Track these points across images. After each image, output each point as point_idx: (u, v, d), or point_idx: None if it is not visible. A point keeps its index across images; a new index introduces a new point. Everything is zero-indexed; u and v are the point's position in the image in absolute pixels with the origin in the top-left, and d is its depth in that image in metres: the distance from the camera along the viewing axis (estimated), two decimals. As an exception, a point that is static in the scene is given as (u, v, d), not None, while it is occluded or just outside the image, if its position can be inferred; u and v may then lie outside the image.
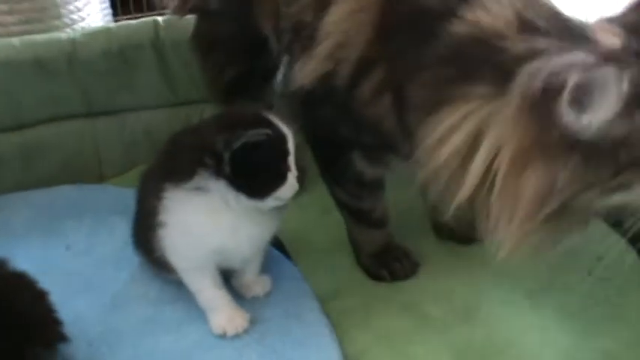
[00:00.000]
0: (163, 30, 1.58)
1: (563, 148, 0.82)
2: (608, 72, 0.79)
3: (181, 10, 1.42)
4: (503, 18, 0.91)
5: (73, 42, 1.55)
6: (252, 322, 1.13)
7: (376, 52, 1.02)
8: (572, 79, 0.78)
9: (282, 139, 1.04)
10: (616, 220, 1.06)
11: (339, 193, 1.24)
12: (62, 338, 1.05)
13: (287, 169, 1.04)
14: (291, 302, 1.19)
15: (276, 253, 1.29)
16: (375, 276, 1.27)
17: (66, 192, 1.56)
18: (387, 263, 1.27)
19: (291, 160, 1.05)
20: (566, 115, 0.80)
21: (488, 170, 0.87)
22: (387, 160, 1.14)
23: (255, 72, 1.33)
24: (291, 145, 1.05)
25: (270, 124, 1.03)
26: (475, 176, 0.89)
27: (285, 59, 1.20)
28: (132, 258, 1.28)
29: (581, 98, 0.79)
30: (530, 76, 0.81)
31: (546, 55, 0.83)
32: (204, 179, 1.03)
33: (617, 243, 1.26)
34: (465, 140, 0.89)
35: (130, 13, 2.67)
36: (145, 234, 1.15)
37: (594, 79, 0.78)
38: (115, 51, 1.57)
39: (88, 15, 1.86)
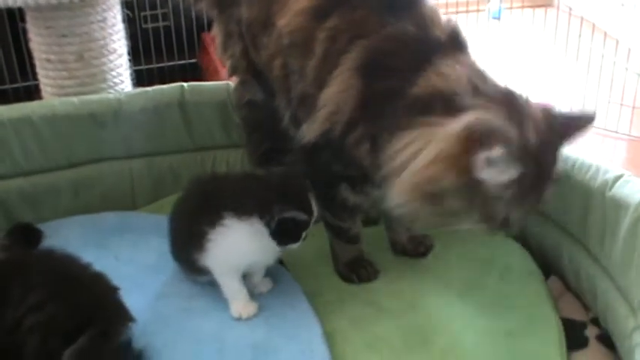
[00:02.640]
0: (188, 93, 1.94)
1: (469, 175, 1.24)
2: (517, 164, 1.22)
3: (239, 102, 1.81)
4: (457, 81, 1.33)
5: (119, 101, 1.90)
6: (260, 309, 1.51)
7: (358, 116, 1.43)
8: (492, 149, 1.20)
9: (309, 218, 1.46)
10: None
11: (327, 215, 1.61)
12: (131, 319, 1.42)
13: (302, 236, 1.47)
14: (286, 296, 1.56)
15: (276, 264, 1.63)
16: (346, 279, 1.63)
17: (108, 217, 1.89)
18: (356, 270, 1.63)
19: (309, 229, 1.47)
20: (477, 164, 1.22)
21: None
22: (366, 190, 1.52)
23: (279, 147, 1.72)
24: (312, 220, 1.47)
25: (309, 206, 1.46)
26: (422, 164, 1.28)
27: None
28: (166, 265, 1.64)
29: (492, 163, 1.22)
30: (469, 125, 1.23)
31: (485, 115, 1.25)
32: (257, 221, 1.45)
33: (521, 254, 1.67)
34: (418, 148, 1.30)
35: (140, 65, 3.10)
36: (187, 249, 1.52)
37: (506, 160, 1.21)
38: (150, 108, 1.92)
39: (124, 80, 2.25)
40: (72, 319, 1.33)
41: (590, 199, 1.51)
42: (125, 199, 1.97)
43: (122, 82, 2.22)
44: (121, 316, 1.41)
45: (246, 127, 1.84)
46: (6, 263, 1.48)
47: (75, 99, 1.91)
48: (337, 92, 1.43)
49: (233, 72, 1.78)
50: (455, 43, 1.42)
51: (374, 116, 1.41)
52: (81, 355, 1.30)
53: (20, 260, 1.49)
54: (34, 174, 1.89)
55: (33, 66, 2.41)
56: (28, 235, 1.78)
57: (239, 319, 1.50)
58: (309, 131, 1.49)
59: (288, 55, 1.52)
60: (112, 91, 2.16)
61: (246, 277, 1.56)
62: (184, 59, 3.27)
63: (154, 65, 3.20)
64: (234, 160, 2.00)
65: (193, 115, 1.96)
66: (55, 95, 2.16)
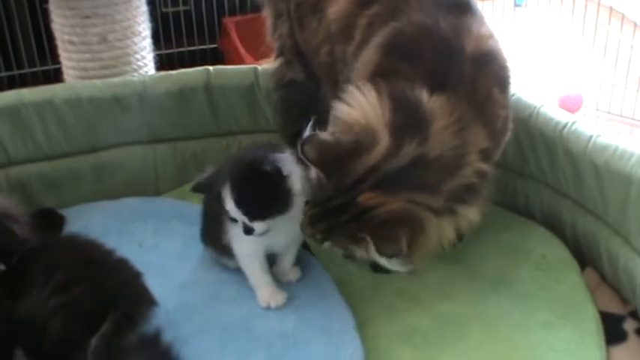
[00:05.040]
0: (213, 77, 1.90)
1: None
2: None
3: (280, 82, 1.82)
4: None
5: (143, 83, 1.87)
6: (289, 298, 1.48)
7: None
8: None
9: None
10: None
11: None
12: (154, 303, 1.40)
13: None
14: (316, 285, 1.54)
15: (304, 251, 1.62)
16: (374, 268, 1.58)
17: (131, 202, 1.86)
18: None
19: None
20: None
21: None
22: None
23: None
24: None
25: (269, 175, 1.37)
26: None
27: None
28: (191, 252, 1.62)
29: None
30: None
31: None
32: None
33: (557, 244, 1.63)
34: None
35: (160, 49, 3.05)
36: (214, 229, 1.49)
37: None
38: (175, 92, 1.88)
39: (147, 63, 2.22)
40: (95, 302, 1.32)
41: (630, 189, 1.45)
42: (149, 185, 1.95)
43: (146, 65, 2.19)
44: (144, 300, 1.40)
45: (283, 106, 1.84)
46: (31, 246, 1.46)
47: (98, 82, 1.88)
48: (360, 68, 1.45)
49: (280, 53, 1.80)
50: (477, 63, 1.38)
51: None
52: (107, 340, 1.29)
53: (45, 243, 1.49)
54: (56, 158, 1.87)
55: (52, 49, 2.38)
56: (50, 220, 1.76)
57: (267, 307, 1.47)
58: None
59: (335, 42, 1.54)
60: (135, 74, 2.12)
61: (274, 265, 1.53)
62: (205, 44, 3.24)
63: (174, 50, 3.17)
64: (259, 146, 1.95)
65: (219, 100, 1.93)
66: (77, 78, 2.13)
